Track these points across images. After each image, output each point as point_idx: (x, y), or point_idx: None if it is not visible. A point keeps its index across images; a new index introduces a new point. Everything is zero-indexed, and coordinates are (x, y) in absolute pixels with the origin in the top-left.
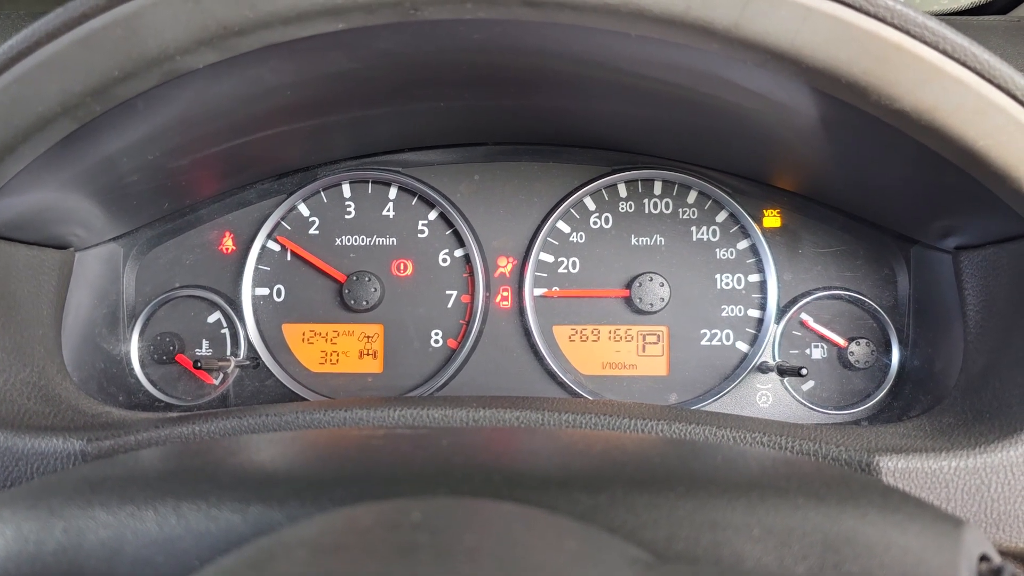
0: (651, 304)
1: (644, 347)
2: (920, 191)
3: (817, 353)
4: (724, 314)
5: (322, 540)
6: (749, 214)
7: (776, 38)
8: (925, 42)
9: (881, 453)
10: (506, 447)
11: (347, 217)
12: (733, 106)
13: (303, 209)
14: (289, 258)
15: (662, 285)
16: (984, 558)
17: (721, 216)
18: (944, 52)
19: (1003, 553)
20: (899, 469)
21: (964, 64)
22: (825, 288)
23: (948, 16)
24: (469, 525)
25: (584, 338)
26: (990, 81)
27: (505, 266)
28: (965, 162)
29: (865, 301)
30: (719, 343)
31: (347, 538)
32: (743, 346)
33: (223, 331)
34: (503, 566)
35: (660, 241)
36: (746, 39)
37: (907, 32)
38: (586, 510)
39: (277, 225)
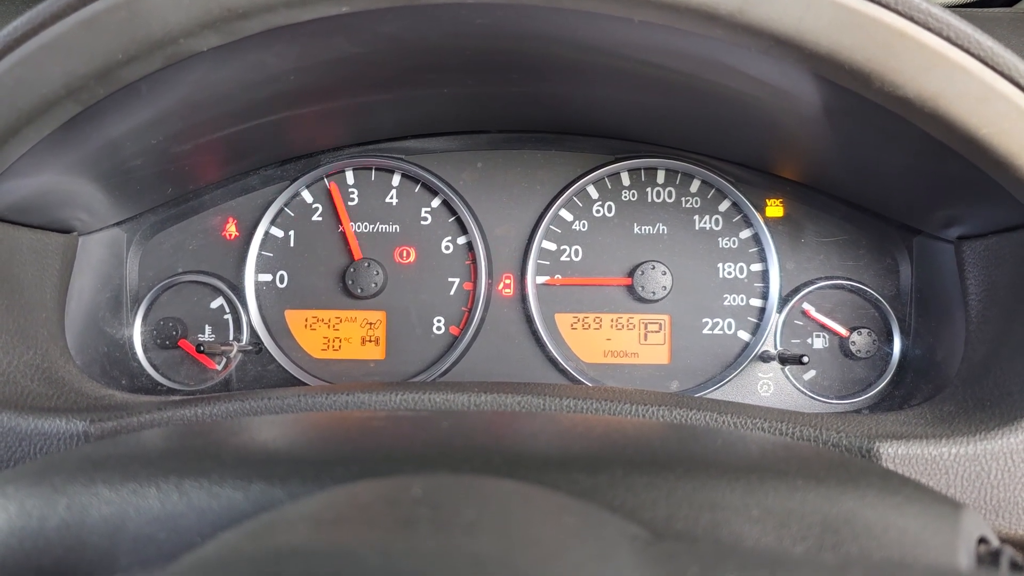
0: (653, 292)
1: (646, 335)
2: (923, 180)
3: (819, 342)
4: (726, 303)
5: (323, 514)
6: (752, 203)
7: (780, 24)
8: (929, 29)
9: (881, 439)
10: (506, 429)
11: (350, 204)
12: (736, 93)
13: (306, 196)
14: (292, 244)
15: (664, 274)
16: (983, 541)
17: (724, 205)
18: (948, 39)
19: (1002, 540)
20: (899, 455)
21: (968, 51)
22: (827, 278)
23: (953, 8)
24: (469, 500)
25: (586, 326)
26: (994, 69)
27: (507, 254)
28: (968, 150)
29: (867, 291)
30: (721, 332)
31: (348, 512)
32: (745, 335)
33: (226, 316)
34: (502, 539)
35: (663, 230)
36: (750, 25)
37: (911, 19)
38: (585, 490)
39: (280, 211)
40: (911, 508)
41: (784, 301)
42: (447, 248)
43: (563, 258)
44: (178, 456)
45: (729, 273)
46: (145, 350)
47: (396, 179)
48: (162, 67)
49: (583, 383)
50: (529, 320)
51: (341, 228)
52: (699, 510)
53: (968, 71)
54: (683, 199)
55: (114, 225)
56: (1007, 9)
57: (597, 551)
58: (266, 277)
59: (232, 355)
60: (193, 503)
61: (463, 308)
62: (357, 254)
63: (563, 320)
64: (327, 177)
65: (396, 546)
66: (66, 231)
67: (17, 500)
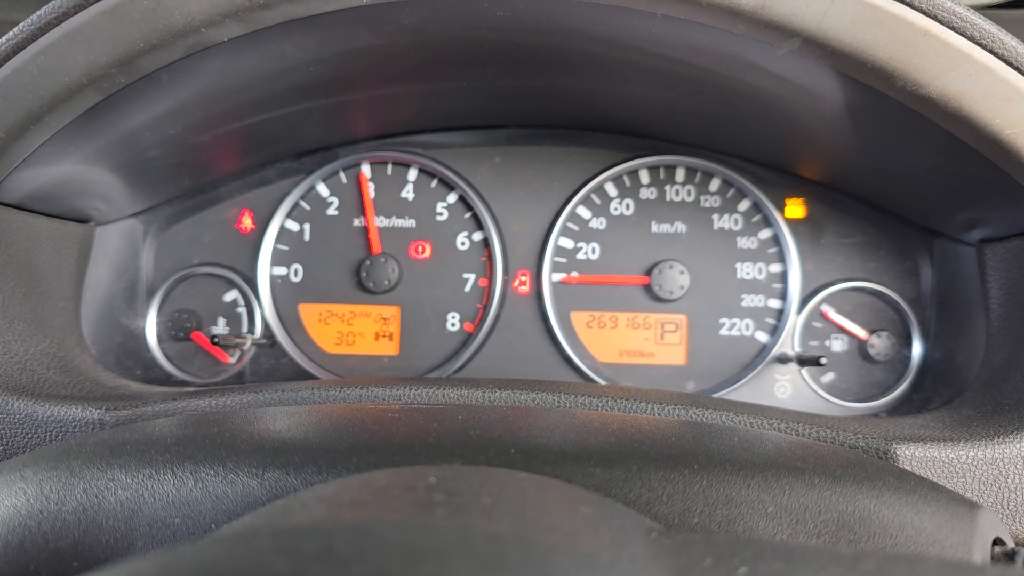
0: (671, 292)
1: (662, 335)
2: (945, 181)
3: (837, 345)
4: (744, 304)
5: (339, 497)
6: (772, 203)
7: (802, 20)
8: (953, 28)
9: (898, 441)
10: (522, 423)
11: (369, 197)
12: (758, 91)
13: (322, 189)
14: (308, 238)
15: (682, 273)
16: (998, 542)
17: (744, 205)
18: (972, 39)
19: (1018, 543)
20: (916, 457)
21: (992, 52)
22: (847, 279)
23: (979, 9)
24: (485, 488)
25: (602, 325)
26: (1018, 69)
27: (524, 251)
28: (991, 151)
29: (887, 293)
30: (738, 333)
31: (364, 495)
32: (763, 336)
33: (240, 309)
34: (518, 525)
35: (681, 229)
36: (772, 21)
37: (935, 17)
38: (601, 483)
39: (296, 205)
40: (927, 507)
41: (803, 303)
42: (463, 244)
43: (580, 256)
44: (194, 443)
45: (748, 274)
46: (159, 341)
47: (413, 173)
48: (183, 56)
49: (598, 382)
50: (544, 318)
51: (364, 221)
52: (714, 505)
53: (992, 71)
54: (702, 198)
55: (131, 216)
56: None
57: (612, 540)
58: (281, 270)
59: (245, 348)
60: (208, 489)
61: (478, 305)
62: (376, 248)
63: (579, 318)
64: (351, 168)
65: (414, 524)
66: (83, 221)
67: (36, 483)
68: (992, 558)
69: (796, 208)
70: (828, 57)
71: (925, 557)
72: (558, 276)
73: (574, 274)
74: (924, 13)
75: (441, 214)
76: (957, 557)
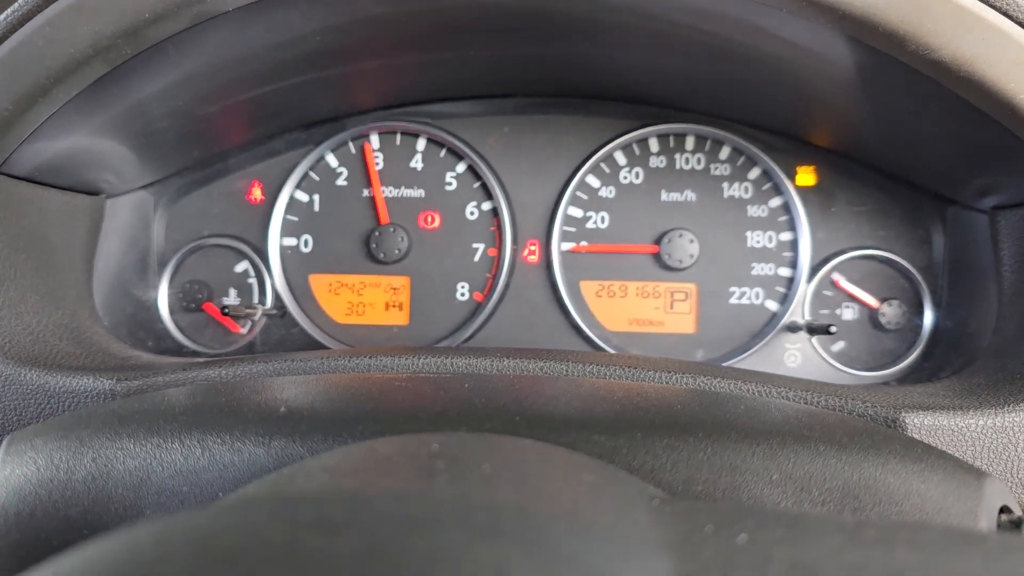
0: (680, 261)
1: (672, 304)
2: (957, 147)
3: (848, 314)
4: (754, 272)
5: (342, 464)
6: (783, 171)
7: None
8: None
9: (907, 410)
10: (528, 391)
11: (376, 168)
12: (768, 56)
13: (331, 160)
14: (317, 208)
15: (692, 242)
16: (1005, 510)
17: (754, 173)
18: (985, 1)
19: None
20: (925, 425)
21: (1006, 14)
22: (858, 248)
23: None
24: (487, 456)
25: (611, 294)
26: None
27: (533, 220)
28: (1004, 116)
29: (898, 262)
30: (748, 302)
31: (367, 463)
32: (773, 305)
33: (250, 280)
34: (519, 492)
35: (691, 197)
36: None
37: None
38: (605, 451)
39: (305, 175)
40: (933, 475)
41: (813, 271)
42: (472, 214)
43: (589, 225)
44: (201, 412)
45: (758, 242)
46: (171, 312)
47: (421, 143)
48: (188, 27)
49: (607, 351)
50: (554, 287)
51: (371, 192)
52: (719, 473)
53: (1006, 35)
54: (712, 166)
55: (141, 188)
56: None
57: (613, 507)
58: (291, 241)
59: (256, 319)
60: (215, 458)
61: (487, 274)
62: (384, 218)
63: (588, 288)
64: (359, 139)
65: (412, 494)
66: (94, 193)
67: (46, 453)
68: (998, 526)
69: (807, 176)
70: (839, 21)
71: (929, 525)
72: (567, 245)
73: (583, 243)
74: None
75: (450, 184)
76: (963, 525)
